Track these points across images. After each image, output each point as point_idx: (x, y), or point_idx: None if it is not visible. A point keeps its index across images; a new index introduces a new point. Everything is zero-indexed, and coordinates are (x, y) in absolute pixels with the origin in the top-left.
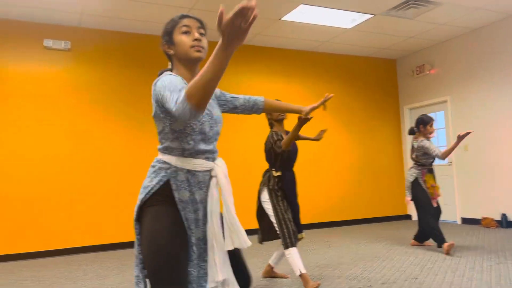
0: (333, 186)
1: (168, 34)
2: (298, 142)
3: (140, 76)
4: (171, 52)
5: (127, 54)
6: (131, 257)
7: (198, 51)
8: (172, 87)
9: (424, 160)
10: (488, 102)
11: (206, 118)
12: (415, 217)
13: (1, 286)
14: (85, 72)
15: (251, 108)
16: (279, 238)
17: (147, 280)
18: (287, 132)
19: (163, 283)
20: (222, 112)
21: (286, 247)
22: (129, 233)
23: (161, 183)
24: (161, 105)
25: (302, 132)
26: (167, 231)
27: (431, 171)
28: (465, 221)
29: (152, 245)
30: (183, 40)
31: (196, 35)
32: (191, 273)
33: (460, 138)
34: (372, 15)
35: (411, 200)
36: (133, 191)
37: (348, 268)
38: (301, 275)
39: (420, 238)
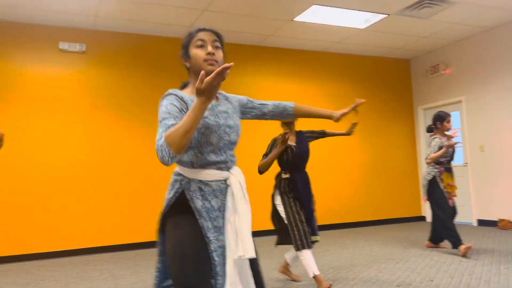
0: (346, 187)
1: (185, 47)
2: (314, 142)
3: (154, 78)
4: (188, 65)
5: (141, 56)
6: (145, 257)
7: (211, 64)
8: (165, 116)
9: (442, 158)
10: (504, 102)
11: (213, 130)
12: (429, 218)
13: (19, 285)
14: (99, 74)
15: (280, 114)
16: None
17: None
18: (297, 133)
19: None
20: (250, 118)
21: (297, 249)
22: (143, 234)
23: (177, 194)
24: None
25: (322, 127)
26: (188, 239)
27: (449, 170)
28: (481, 223)
29: (175, 252)
30: (197, 54)
31: (210, 48)
32: (217, 281)
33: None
34: (385, 15)
35: (428, 199)
36: (147, 192)
37: (362, 270)
38: (314, 277)
39: (434, 240)
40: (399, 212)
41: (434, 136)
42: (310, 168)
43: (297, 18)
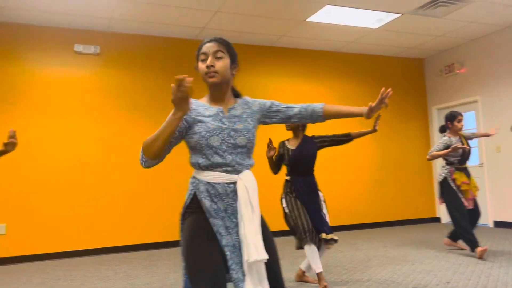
0: (358, 188)
1: (196, 60)
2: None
3: (167, 80)
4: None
5: (155, 57)
6: (160, 257)
7: (211, 77)
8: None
9: (452, 158)
10: None
11: (214, 133)
12: (444, 219)
13: (35, 285)
14: (114, 76)
15: (310, 117)
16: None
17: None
18: (304, 137)
19: (196, 278)
20: (276, 122)
21: (297, 247)
22: (158, 234)
23: (190, 196)
24: None
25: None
26: (199, 233)
27: (462, 169)
28: (498, 224)
29: (186, 247)
30: (200, 67)
31: (209, 61)
32: (232, 275)
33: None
34: (399, 15)
35: (442, 201)
36: (161, 193)
37: (377, 271)
38: (317, 274)
39: (454, 236)
40: (413, 213)
41: (444, 135)
42: (323, 168)
43: (310, 19)
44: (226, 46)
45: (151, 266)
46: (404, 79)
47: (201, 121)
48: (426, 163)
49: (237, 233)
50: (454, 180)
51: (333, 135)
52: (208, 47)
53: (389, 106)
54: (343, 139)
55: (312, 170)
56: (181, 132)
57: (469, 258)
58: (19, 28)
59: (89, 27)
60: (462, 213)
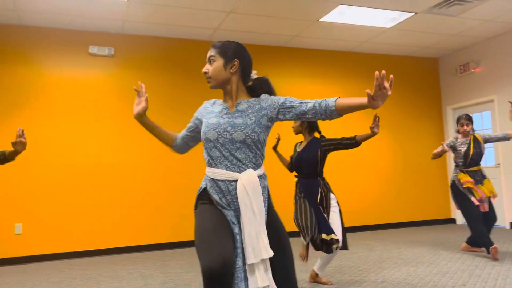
0: (372, 189)
1: None
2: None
3: (182, 81)
4: None
5: (169, 59)
6: (173, 257)
7: (208, 82)
8: None
9: (458, 160)
10: None
11: (212, 128)
12: (459, 221)
13: (52, 284)
14: (128, 77)
15: (324, 112)
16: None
17: None
18: (311, 139)
19: (201, 251)
20: (290, 119)
21: (304, 243)
22: (172, 234)
23: (201, 189)
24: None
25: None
26: (207, 217)
27: (473, 172)
28: None
29: (196, 226)
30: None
31: (204, 68)
32: (237, 261)
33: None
34: (413, 14)
35: (457, 205)
36: (176, 193)
37: (391, 272)
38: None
39: (472, 242)
40: (428, 214)
41: (456, 136)
42: (339, 169)
43: (323, 19)
44: (218, 49)
45: (165, 266)
46: (419, 78)
47: (205, 118)
48: (441, 163)
49: (240, 229)
50: (460, 181)
51: (341, 139)
52: (208, 53)
53: (403, 106)
54: (349, 143)
55: (316, 173)
56: (194, 129)
57: (486, 260)
58: (34, 30)
59: (103, 29)
60: (470, 213)
